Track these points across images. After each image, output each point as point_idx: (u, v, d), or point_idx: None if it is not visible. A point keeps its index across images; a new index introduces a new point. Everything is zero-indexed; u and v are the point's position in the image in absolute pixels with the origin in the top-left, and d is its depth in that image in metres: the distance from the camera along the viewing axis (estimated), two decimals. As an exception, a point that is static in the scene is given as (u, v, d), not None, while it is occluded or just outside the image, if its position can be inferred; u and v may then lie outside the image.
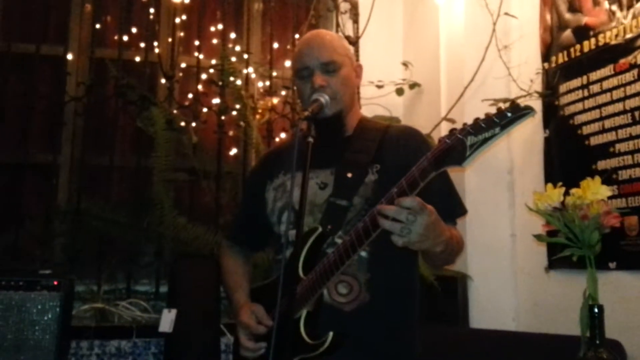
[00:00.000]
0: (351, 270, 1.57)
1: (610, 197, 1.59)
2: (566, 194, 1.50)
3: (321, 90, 1.64)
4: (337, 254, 1.48)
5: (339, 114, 1.70)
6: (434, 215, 1.37)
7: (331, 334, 1.49)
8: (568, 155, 2.58)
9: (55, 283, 2.24)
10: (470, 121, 1.28)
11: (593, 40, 2.49)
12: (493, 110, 1.26)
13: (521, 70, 2.79)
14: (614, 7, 2.40)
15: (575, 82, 2.56)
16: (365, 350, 1.57)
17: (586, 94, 2.50)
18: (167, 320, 2.40)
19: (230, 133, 3.23)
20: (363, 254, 1.58)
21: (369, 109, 3.13)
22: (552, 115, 2.67)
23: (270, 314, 1.63)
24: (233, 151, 3.28)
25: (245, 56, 3.30)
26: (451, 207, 1.69)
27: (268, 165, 1.88)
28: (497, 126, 1.22)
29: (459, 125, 1.31)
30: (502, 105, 1.25)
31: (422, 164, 1.32)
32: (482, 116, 1.27)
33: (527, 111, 1.22)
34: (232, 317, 1.81)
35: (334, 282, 1.56)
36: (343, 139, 1.74)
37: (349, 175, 1.64)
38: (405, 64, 3.26)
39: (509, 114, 1.22)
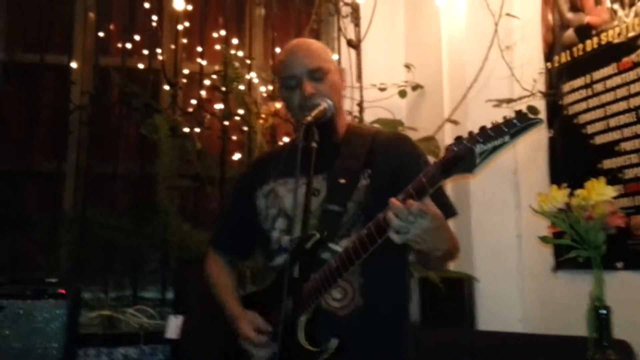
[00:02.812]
0: (345, 275, 1.56)
1: (616, 197, 1.58)
2: (571, 194, 1.49)
3: (312, 97, 1.64)
4: (339, 261, 1.47)
5: (330, 120, 1.70)
6: (439, 221, 1.36)
7: (336, 341, 1.49)
8: (573, 155, 2.57)
9: (62, 291, 2.25)
10: (473, 123, 1.28)
11: (595, 39, 2.48)
12: (496, 110, 1.25)
13: (524, 70, 2.78)
14: (616, 6, 2.39)
15: (579, 82, 2.55)
16: (359, 355, 1.56)
17: (590, 93, 2.49)
18: (174, 326, 2.41)
19: (234, 138, 3.24)
20: None
21: (371, 112, 3.13)
22: (556, 114, 2.66)
23: (268, 319, 1.64)
24: (237, 156, 3.28)
25: (248, 61, 3.31)
26: (442, 209, 1.67)
27: (258, 171, 1.87)
28: (507, 135, 1.21)
29: (462, 127, 1.31)
30: (507, 115, 1.24)
31: (430, 171, 1.30)
32: (485, 117, 1.27)
33: (536, 120, 1.21)
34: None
35: None
36: (333, 145, 1.73)
37: (342, 181, 1.64)
38: (407, 66, 3.25)
39: (518, 123, 1.21)
